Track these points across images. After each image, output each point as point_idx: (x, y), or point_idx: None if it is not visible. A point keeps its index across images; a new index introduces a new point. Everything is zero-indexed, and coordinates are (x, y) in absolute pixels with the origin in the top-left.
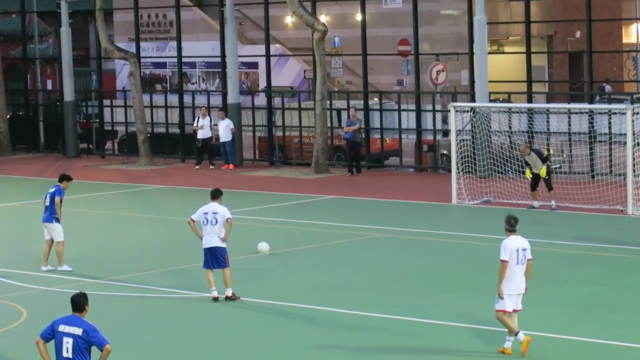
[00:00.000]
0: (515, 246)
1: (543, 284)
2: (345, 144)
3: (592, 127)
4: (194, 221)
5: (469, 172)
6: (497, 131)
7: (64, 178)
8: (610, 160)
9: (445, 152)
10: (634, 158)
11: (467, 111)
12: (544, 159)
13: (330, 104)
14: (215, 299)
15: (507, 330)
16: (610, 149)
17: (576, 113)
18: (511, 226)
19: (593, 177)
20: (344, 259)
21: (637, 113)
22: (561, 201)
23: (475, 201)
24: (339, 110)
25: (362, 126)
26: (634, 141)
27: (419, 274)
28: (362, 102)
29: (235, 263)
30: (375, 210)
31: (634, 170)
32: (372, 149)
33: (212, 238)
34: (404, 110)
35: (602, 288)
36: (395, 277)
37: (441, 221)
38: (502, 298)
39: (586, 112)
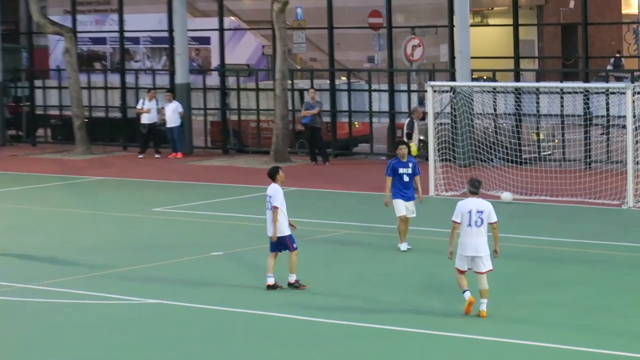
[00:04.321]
0: (467, 208)
1: (530, 285)
2: (304, 130)
3: (588, 108)
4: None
5: (448, 160)
6: (481, 114)
7: (401, 143)
8: (608, 146)
9: (422, 137)
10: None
11: (447, 91)
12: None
13: (292, 84)
14: (270, 287)
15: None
16: (608, 134)
17: (569, 93)
18: (474, 188)
19: (589, 165)
20: (306, 258)
21: (638, 92)
22: (552, 193)
23: (455, 192)
24: (301, 91)
25: (325, 109)
26: (635, 124)
27: (391, 273)
28: (328, 81)
29: (182, 264)
30: (342, 204)
31: (634, 158)
32: (339, 135)
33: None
34: (374, 90)
35: (597, 289)
36: (363, 278)
37: (416, 215)
38: (450, 258)
39: (581, 92)
